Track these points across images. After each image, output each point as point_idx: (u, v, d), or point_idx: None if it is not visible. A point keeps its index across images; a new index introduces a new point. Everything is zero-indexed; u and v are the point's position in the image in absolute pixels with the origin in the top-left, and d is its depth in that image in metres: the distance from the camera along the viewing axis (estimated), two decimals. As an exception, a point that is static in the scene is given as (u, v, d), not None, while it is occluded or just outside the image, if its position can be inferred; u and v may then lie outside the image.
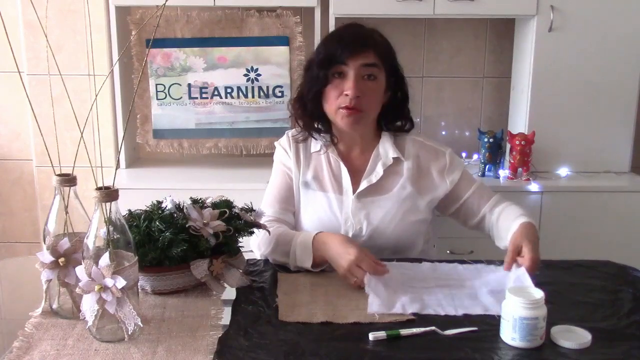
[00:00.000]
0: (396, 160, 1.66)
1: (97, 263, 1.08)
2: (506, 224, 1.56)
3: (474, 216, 1.67)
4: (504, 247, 1.54)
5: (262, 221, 1.56)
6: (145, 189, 2.33)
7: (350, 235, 1.63)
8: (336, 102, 1.58)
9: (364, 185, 1.64)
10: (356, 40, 1.57)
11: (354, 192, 1.64)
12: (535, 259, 1.38)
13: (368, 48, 1.57)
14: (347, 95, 1.55)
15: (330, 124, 1.67)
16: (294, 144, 1.70)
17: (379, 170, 1.64)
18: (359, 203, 1.64)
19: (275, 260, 1.52)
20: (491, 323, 1.20)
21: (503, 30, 2.76)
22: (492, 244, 1.64)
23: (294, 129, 1.74)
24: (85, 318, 1.10)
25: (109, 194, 1.08)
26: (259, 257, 1.56)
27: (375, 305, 1.26)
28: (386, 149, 1.66)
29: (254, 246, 1.57)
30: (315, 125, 1.68)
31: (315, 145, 1.69)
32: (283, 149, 1.72)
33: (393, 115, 1.68)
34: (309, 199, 1.67)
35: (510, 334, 1.12)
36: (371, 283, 1.33)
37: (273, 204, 1.68)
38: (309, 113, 1.65)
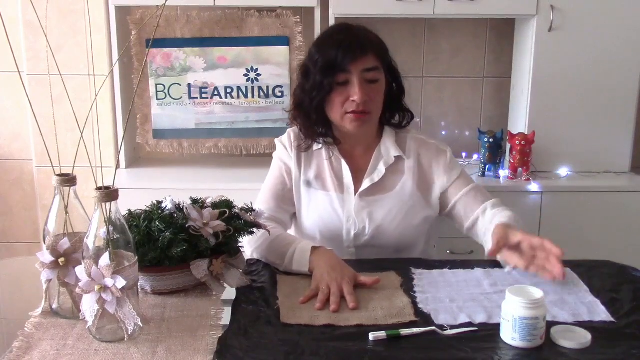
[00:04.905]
0: (398, 158, 1.66)
1: (97, 263, 1.08)
2: (490, 231, 1.49)
3: (466, 219, 1.63)
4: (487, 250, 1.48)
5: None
6: (145, 189, 2.33)
7: (352, 234, 1.63)
8: (342, 108, 1.57)
9: (366, 184, 1.64)
10: (354, 44, 1.55)
11: (356, 191, 1.64)
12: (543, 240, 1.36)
13: (367, 51, 1.56)
14: (353, 101, 1.54)
15: (331, 127, 1.66)
16: (296, 143, 1.70)
17: (381, 169, 1.64)
18: (362, 202, 1.63)
19: (267, 260, 1.51)
20: (491, 323, 1.20)
21: (503, 30, 2.76)
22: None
23: (295, 127, 1.71)
24: (85, 318, 1.10)
25: (109, 194, 1.08)
26: (249, 255, 1.54)
27: (440, 316, 1.24)
28: (388, 147, 1.66)
29: (246, 242, 1.54)
30: (318, 130, 1.65)
31: (317, 144, 1.69)
32: (284, 147, 1.71)
33: (391, 109, 1.68)
34: (311, 198, 1.66)
35: (510, 334, 1.12)
36: (424, 287, 1.35)
37: (268, 201, 1.67)
38: (312, 121, 1.63)
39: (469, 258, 1.55)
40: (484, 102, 2.85)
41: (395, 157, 1.65)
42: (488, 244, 1.48)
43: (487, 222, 1.57)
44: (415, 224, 1.65)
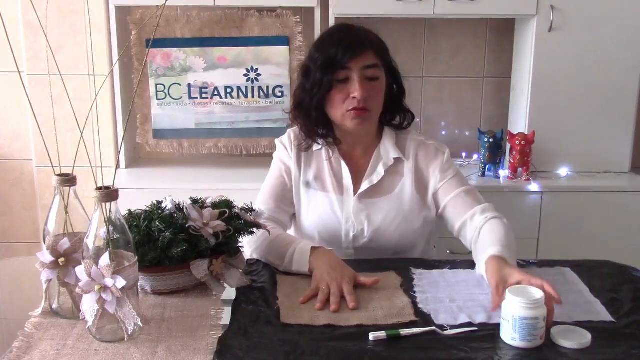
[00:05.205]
0: (397, 160, 1.65)
1: (97, 263, 1.08)
2: (481, 254, 1.42)
3: (455, 222, 1.61)
4: (479, 274, 1.41)
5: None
6: (145, 189, 2.33)
7: (351, 235, 1.63)
8: (343, 105, 1.57)
9: (365, 185, 1.64)
10: (354, 42, 1.56)
11: (355, 192, 1.64)
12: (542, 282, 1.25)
13: (367, 48, 1.56)
14: (354, 97, 1.54)
15: (332, 127, 1.66)
16: (297, 142, 1.70)
17: (380, 171, 1.64)
18: (361, 204, 1.63)
19: (266, 260, 1.51)
20: (491, 323, 1.20)
21: (503, 30, 2.76)
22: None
23: (296, 127, 1.71)
24: (85, 318, 1.10)
25: (109, 194, 1.08)
26: (248, 255, 1.53)
27: (440, 316, 1.23)
28: (387, 149, 1.66)
29: (246, 243, 1.53)
30: (318, 130, 1.65)
31: (317, 144, 1.69)
32: (284, 147, 1.71)
33: (392, 110, 1.68)
34: (310, 199, 1.66)
35: (510, 334, 1.12)
36: (424, 287, 1.36)
37: (267, 202, 1.66)
38: (313, 120, 1.63)
39: (469, 258, 1.54)
40: (484, 102, 2.85)
41: (394, 158, 1.65)
42: (480, 265, 1.40)
43: (473, 229, 1.54)
44: (415, 227, 1.64)
